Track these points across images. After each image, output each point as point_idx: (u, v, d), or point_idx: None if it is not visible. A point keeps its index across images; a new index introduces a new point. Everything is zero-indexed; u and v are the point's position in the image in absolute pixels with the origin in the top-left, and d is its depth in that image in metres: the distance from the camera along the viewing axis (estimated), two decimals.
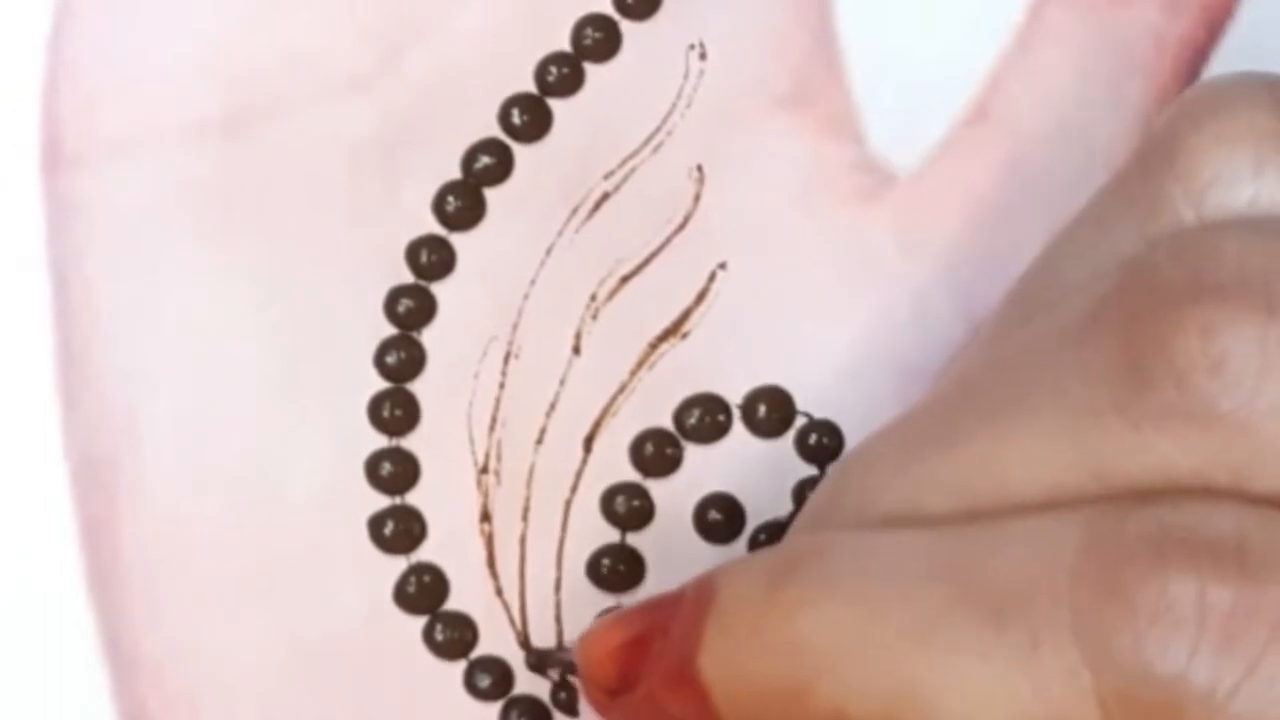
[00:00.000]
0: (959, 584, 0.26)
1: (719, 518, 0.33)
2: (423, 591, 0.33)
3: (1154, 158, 0.28)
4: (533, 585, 0.33)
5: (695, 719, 0.28)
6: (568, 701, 0.33)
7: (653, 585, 0.33)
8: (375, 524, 0.33)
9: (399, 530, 0.33)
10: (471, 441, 0.33)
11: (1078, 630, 0.25)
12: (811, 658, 0.26)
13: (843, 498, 0.29)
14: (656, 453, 0.34)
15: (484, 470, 0.33)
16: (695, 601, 0.28)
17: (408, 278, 0.34)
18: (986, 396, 0.27)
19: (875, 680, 0.26)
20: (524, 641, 0.33)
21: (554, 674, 0.33)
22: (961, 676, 0.25)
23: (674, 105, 0.34)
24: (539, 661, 0.33)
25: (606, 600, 0.33)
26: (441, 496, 0.33)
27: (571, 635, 0.33)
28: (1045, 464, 0.26)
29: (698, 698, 0.27)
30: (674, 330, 0.34)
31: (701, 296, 0.34)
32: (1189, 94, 0.29)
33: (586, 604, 0.33)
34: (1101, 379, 0.26)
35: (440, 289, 0.34)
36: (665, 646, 0.28)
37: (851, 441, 0.34)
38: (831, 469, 0.29)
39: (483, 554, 0.33)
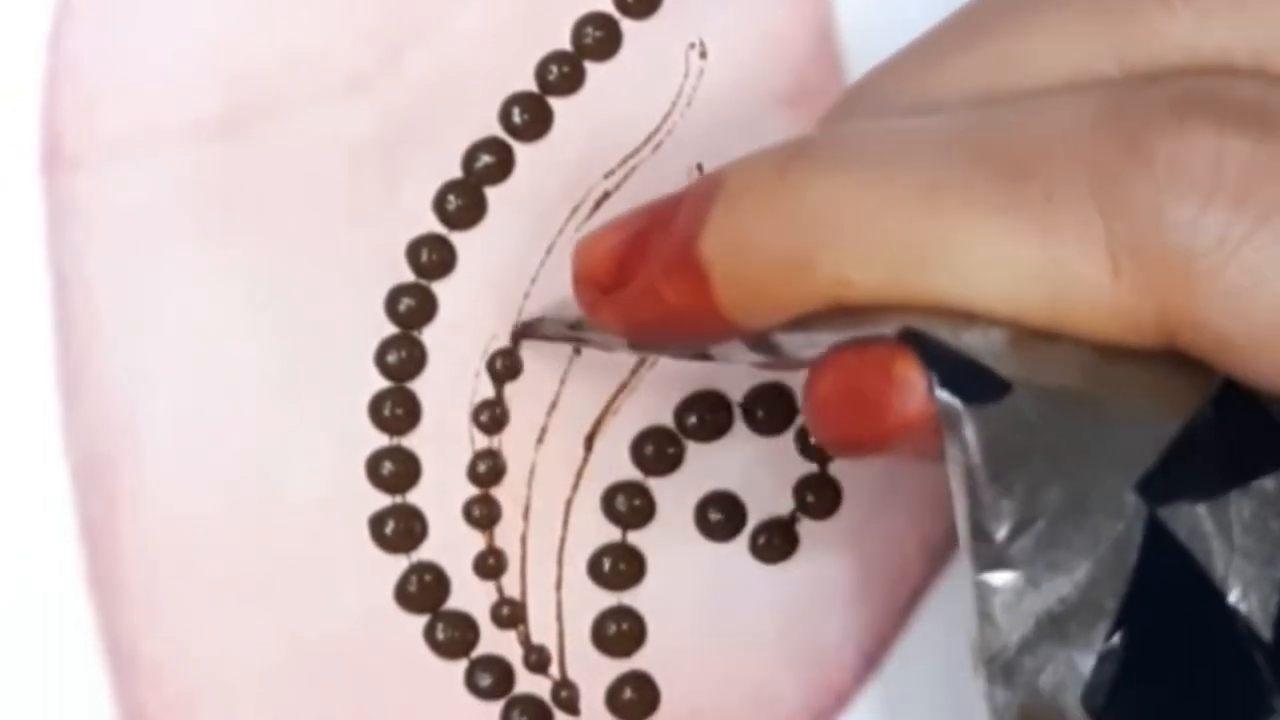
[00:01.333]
0: (975, 149, 0.26)
1: (720, 516, 0.33)
2: (423, 591, 0.33)
3: None
4: (534, 584, 0.33)
5: (692, 306, 0.27)
6: (568, 700, 0.33)
7: (654, 584, 0.33)
8: (376, 523, 0.33)
9: (400, 529, 0.33)
10: (472, 440, 0.33)
11: (1094, 182, 0.25)
12: (817, 226, 0.26)
13: (858, 101, 0.28)
14: (657, 451, 0.34)
15: (484, 470, 0.33)
16: (701, 190, 0.28)
17: (408, 277, 0.34)
18: None
19: (881, 243, 0.26)
20: (525, 640, 0.33)
21: (539, 338, 0.33)
22: (972, 233, 0.25)
23: (674, 104, 0.34)
24: (523, 331, 0.33)
25: (607, 598, 0.33)
26: (442, 495, 0.33)
27: (573, 635, 0.33)
28: (1069, 48, 0.26)
29: (697, 281, 0.27)
30: None
31: None
32: None
33: (587, 602, 0.33)
34: None
35: (441, 288, 0.34)
36: (667, 234, 0.28)
37: None
38: (847, 85, 0.29)
39: (484, 553, 0.33)
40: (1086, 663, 0.25)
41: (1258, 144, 0.24)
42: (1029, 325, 0.25)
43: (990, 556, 0.25)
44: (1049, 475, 0.25)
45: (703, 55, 0.34)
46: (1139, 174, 0.25)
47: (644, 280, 0.28)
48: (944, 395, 0.25)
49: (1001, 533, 0.25)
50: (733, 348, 0.29)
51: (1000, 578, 0.25)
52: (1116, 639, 0.25)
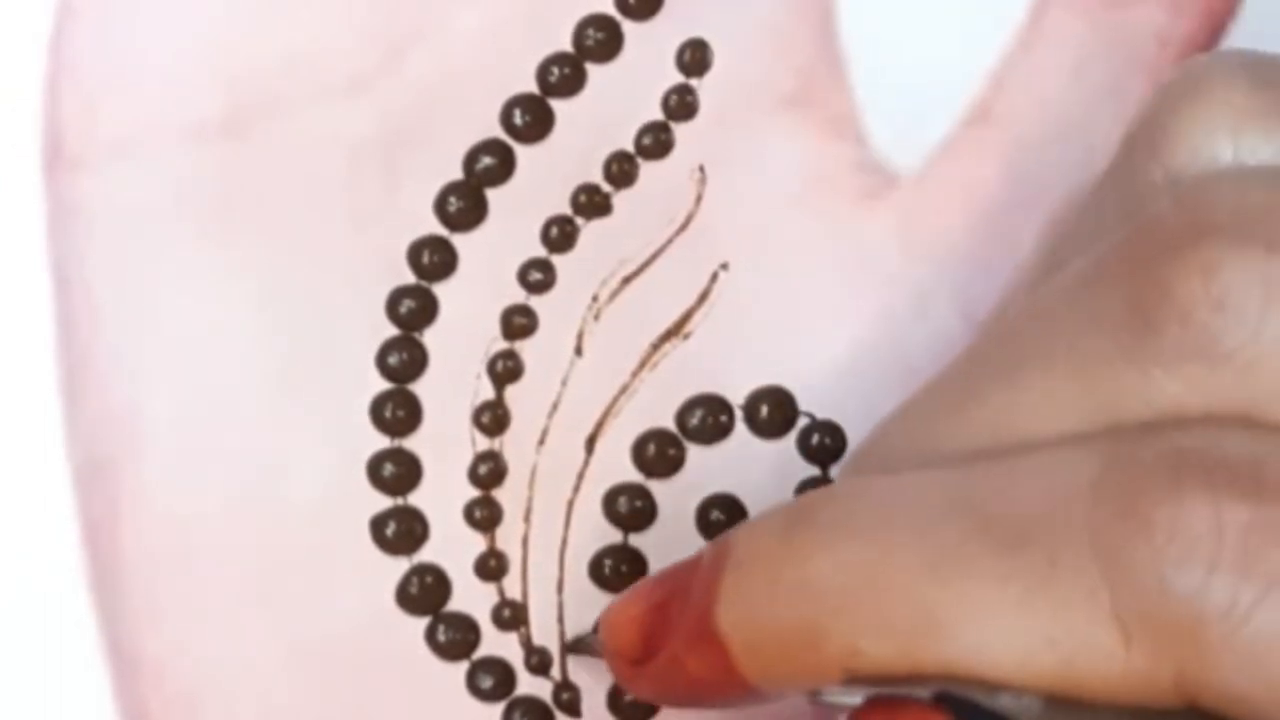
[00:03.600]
0: (975, 515, 0.26)
1: (721, 518, 0.33)
2: (425, 592, 0.33)
3: (1136, 142, 0.28)
4: (535, 586, 0.33)
5: (717, 676, 0.28)
6: (570, 702, 0.33)
7: None
8: (377, 525, 0.33)
9: (401, 531, 0.33)
10: (474, 442, 0.33)
11: (1096, 550, 0.25)
12: (825, 599, 0.26)
13: (868, 456, 0.29)
14: (659, 453, 0.33)
15: (484, 471, 0.33)
16: (712, 559, 0.28)
17: (409, 278, 0.34)
18: (999, 357, 0.27)
19: (890, 616, 0.26)
20: (527, 641, 0.33)
21: (588, 656, 0.33)
22: (979, 604, 0.25)
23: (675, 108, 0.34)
24: (574, 646, 0.33)
25: (609, 601, 0.33)
26: (443, 497, 0.33)
27: (573, 635, 0.33)
28: (1059, 413, 0.26)
29: (718, 653, 0.27)
30: (676, 331, 0.34)
31: (703, 297, 0.34)
32: (1167, 77, 0.29)
33: (589, 605, 0.33)
34: (1109, 327, 0.26)
35: (442, 289, 0.34)
36: (684, 607, 0.28)
37: (854, 441, 0.34)
38: (848, 452, 0.30)
39: (485, 555, 0.33)
40: None
41: (1255, 508, 0.24)
42: (1045, 692, 0.25)
43: None
44: None
45: (704, 57, 0.34)
46: (1139, 542, 0.25)
47: (669, 653, 0.28)
48: None
49: None
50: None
51: None
52: None
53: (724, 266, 0.34)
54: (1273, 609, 0.24)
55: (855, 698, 0.27)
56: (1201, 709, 0.25)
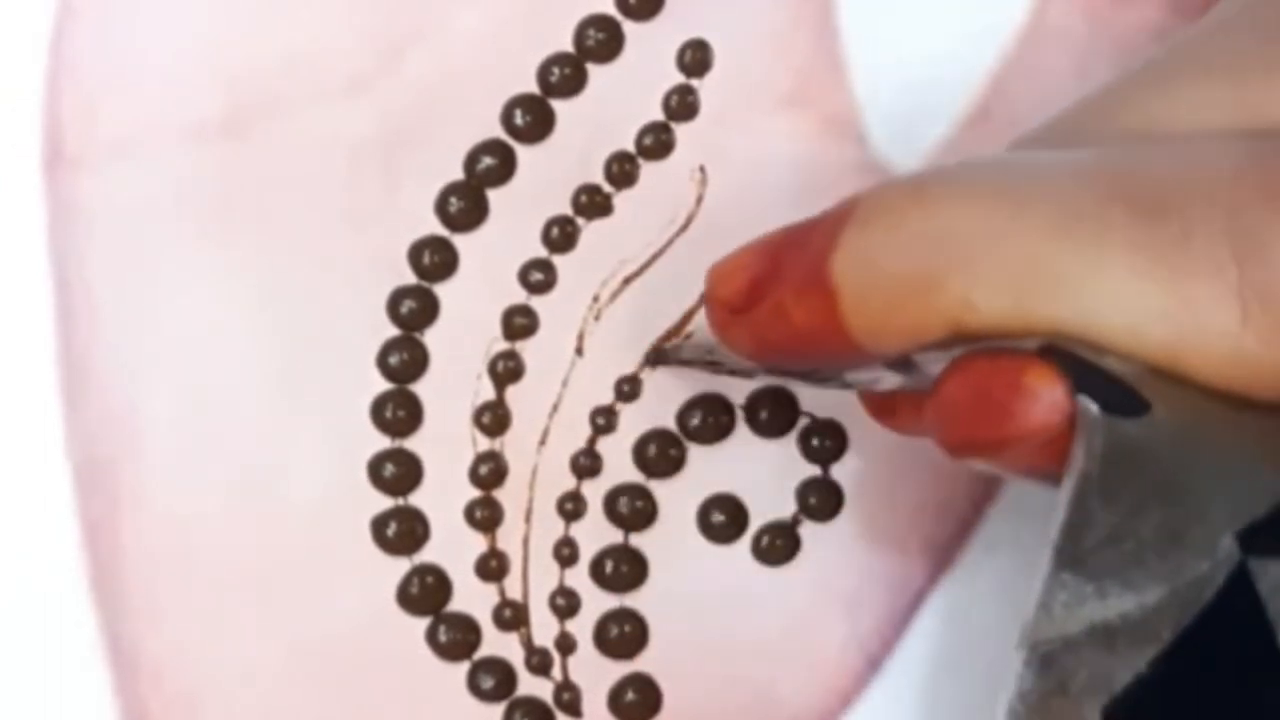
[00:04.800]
0: (1116, 183, 0.26)
1: (722, 518, 0.33)
2: (425, 593, 0.33)
3: None
4: (536, 586, 0.33)
5: (819, 326, 0.28)
6: (570, 702, 0.33)
7: (656, 586, 0.33)
8: (378, 525, 0.33)
9: (401, 531, 0.33)
10: (474, 443, 0.33)
11: (1232, 228, 0.25)
12: (948, 249, 0.26)
13: (1019, 143, 0.29)
14: (660, 454, 0.34)
15: (485, 472, 0.33)
16: (837, 212, 0.28)
17: (410, 279, 0.34)
18: (1155, 69, 0.28)
19: (1012, 269, 0.26)
20: (527, 642, 0.33)
21: (674, 364, 0.33)
22: (1105, 266, 0.25)
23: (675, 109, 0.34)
24: (656, 357, 0.33)
25: (610, 601, 0.33)
26: (444, 498, 0.33)
27: (574, 634, 0.33)
28: (1208, 114, 0.27)
29: (826, 301, 0.27)
30: (677, 331, 0.34)
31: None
32: None
33: (590, 605, 0.33)
34: (1272, 38, 0.27)
35: (443, 290, 0.34)
36: (799, 255, 0.28)
37: (854, 442, 0.34)
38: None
39: (486, 555, 0.33)
40: (1122, 679, 0.25)
41: None
42: (1147, 363, 0.25)
43: (1071, 557, 0.25)
44: (1155, 500, 0.25)
45: (704, 58, 0.34)
46: (1277, 224, 0.25)
47: (774, 300, 0.28)
48: (1085, 400, 0.25)
49: (1090, 541, 0.25)
50: (871, 369, 0.29)
51: (1073, 579, 0.25)
52: (1160, 667, 0.25)
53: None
54: None
55: (935, 366, 0.27)
56: None
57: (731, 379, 0.33)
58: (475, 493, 0.33)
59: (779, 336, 0.29)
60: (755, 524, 0.34)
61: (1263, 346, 0.25)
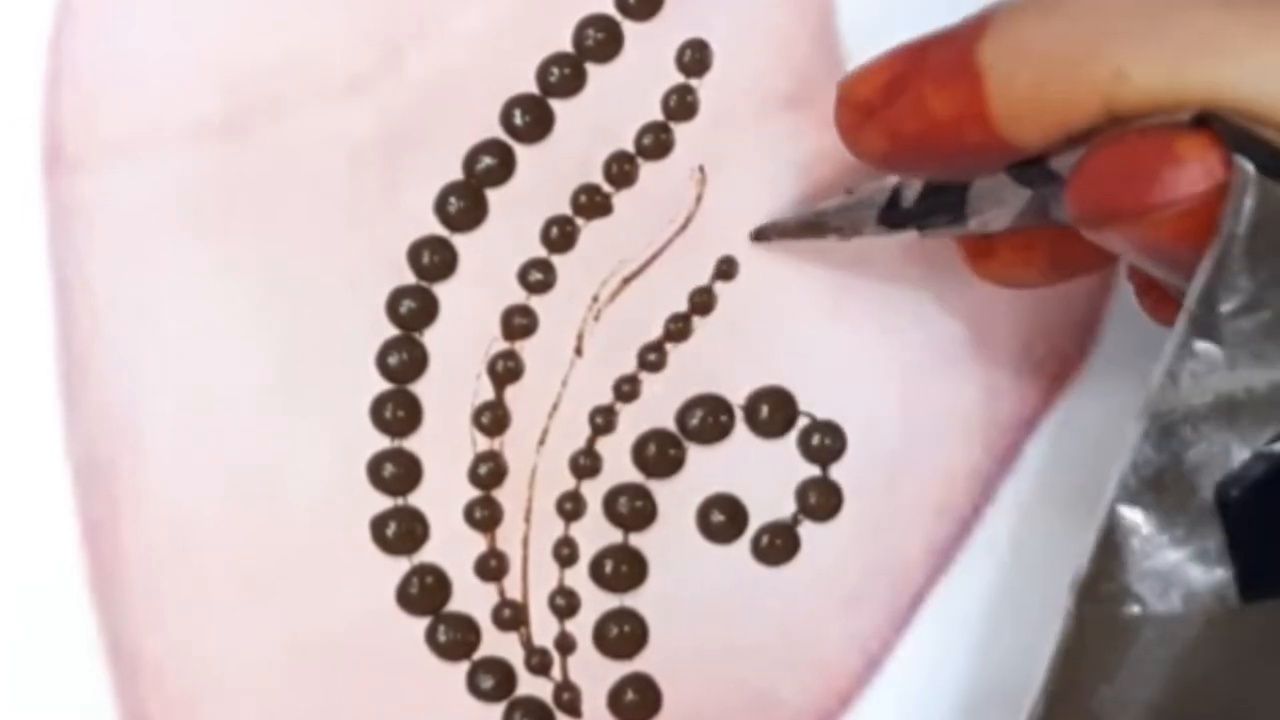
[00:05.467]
0: None
1: (721, 518, 0.33)
2: (425, 593, 0.33)
3: None
4: (535, 586, 0.33)
5: (962, 113, 0.27)
6: (570, 702, 0.33)
7: (656, 586, 0.33)
8: (377, 525, 0.33)
9: (401, 531, 0.33)
10: (474, 443, 0.33)
11: None
12: (1102, 20, 0.26)
13: None
14: (659, 454, 0.34)
15: (485, 471, 0.33)
16: (985, 9, 0.27)
17: (409, 279, 0.34)
18: None
19: (1169, 34, 0.25)
20: (527, 642, 0.33)
21: (781, 237, 0.33)
22: (1265, 30, 0.25)
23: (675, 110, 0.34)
24: (762, 232, 0.33)
25: (610, 601, 0.33)
26: (444, 498, 0.33)
27: (574, 634, 0.33)
28: None
29: (971, 87, 0.27)
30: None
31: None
32: None
33: (589, 605, 0.33)
34: None
35: (442, 290, 0.34)
36: (943, 47, 0.28)
37: (854, 442, 0.34)
38: None
39: (485, 555, 0.33)
40: (1240, 455, 0.25)
41: None
42: None
43: (1206, 324, 0.25)
44: None
45: (704, 58, 0.34)
46: None
47: (914, 92, 0.28)
48: (1241, 160, 0.25)
49: (1227, 306, 0.25)
50: (996, 185, 0.28)
51: (1204, 347, 0.25)
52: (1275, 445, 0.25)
53: (725, 264, 0.34)
54: None
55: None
56: None
57: (834, 242, 0.33)
58: (475, 493, 0.33)
59: (916, 128, 0.28)
60: (755, 524, 0.34)
61: None
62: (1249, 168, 0.25)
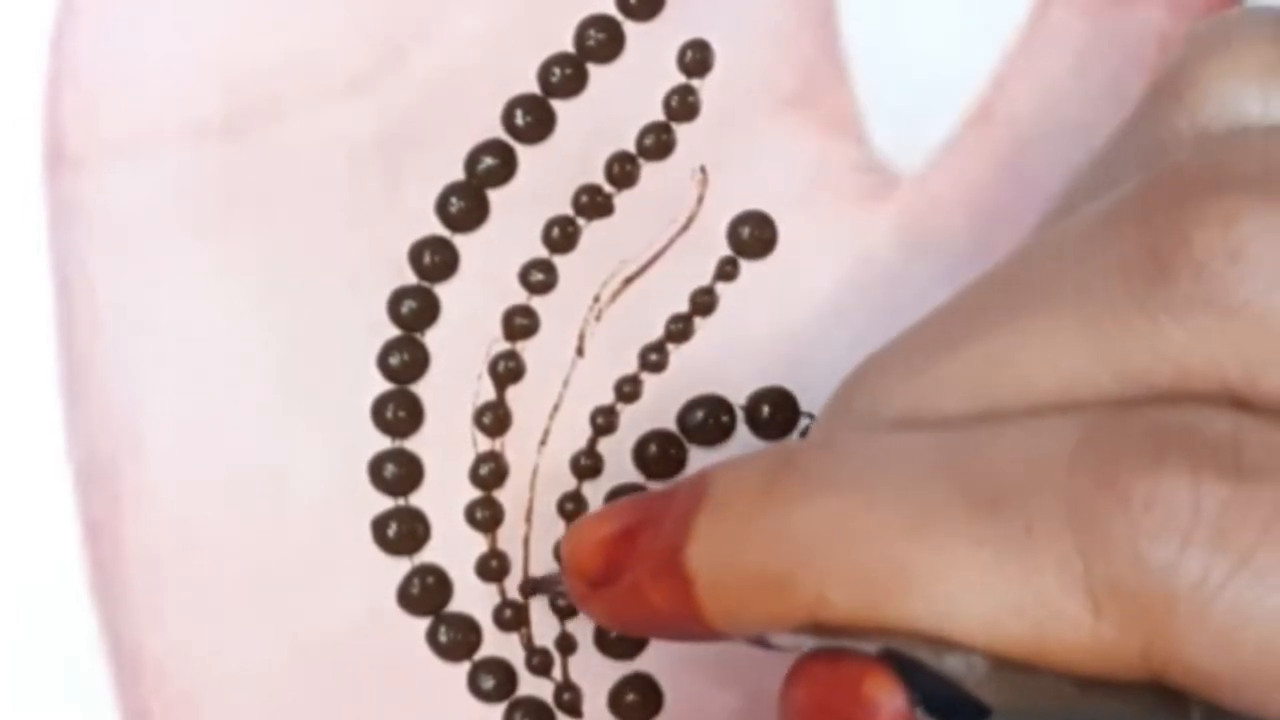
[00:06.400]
0: (956, 477, 0.26)
1: None
2: (426, 593, 0.33)
3: (1162, 91, 0.28)
4: None
5: (677, 610, 0.28)
6: (571, 703, 0.33)
7: None
8: (378, 525, 0.33)
9: (402, 532, 0.33)
10: (475, 443, 0.33)
11: (1072, 519, 0.25)
12: (800, 547, 0.26)
13: (850, 404, 0.28)
14: (660, 454, 0.33)
15: (486, 471, 0.33)
16: (689, 494, 0.28)
17: (410, 279, 0.34)
18: (1003, 296, 0.27)
19: (863, 568, 0.26)
20: (528, 642, 0.33)
21: (547, 596, 0.33)
22: (952, 564, 0.25)
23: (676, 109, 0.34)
24: (532, 587, 0.33)
25: None
26: (445, 498, 0.33)
27: (574, 635, 0.33)
28: (1062, 357, 0.26)
29: (682, 588, 0.27)
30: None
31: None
32: (1196, 28, 0.28)
33: None
34: (1121, 272, 0.26)
35: (443, 290, 0.34)
36: (654, 537, 0.28)
37: None
38: (841, 381, 0.29)
39: (486, 556, 0.33)
40: None
41: (1234, 486, 0.24)
42: (1007, 657, 0.25)
43: None
44: None
45: (705, 58, 0.34)
46: (1115, 513, 0.24)
47: (631, 579, 0.28)
48: (920, 715, 0.26)
49: None
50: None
51: None
52: None
53: (727, 264, 0.34)
54: (1244, 586, 0.24)
55: (804, 642, 0.27)
56: (1166, 684, 0.25)
57: None
58: (476, 493, 0.33)
59: (636, 616, 0.29)
60: None
61: (1121, 635, 0.25)
62: None
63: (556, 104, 0.34)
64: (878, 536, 0.26)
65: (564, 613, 0.33)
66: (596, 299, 0.34)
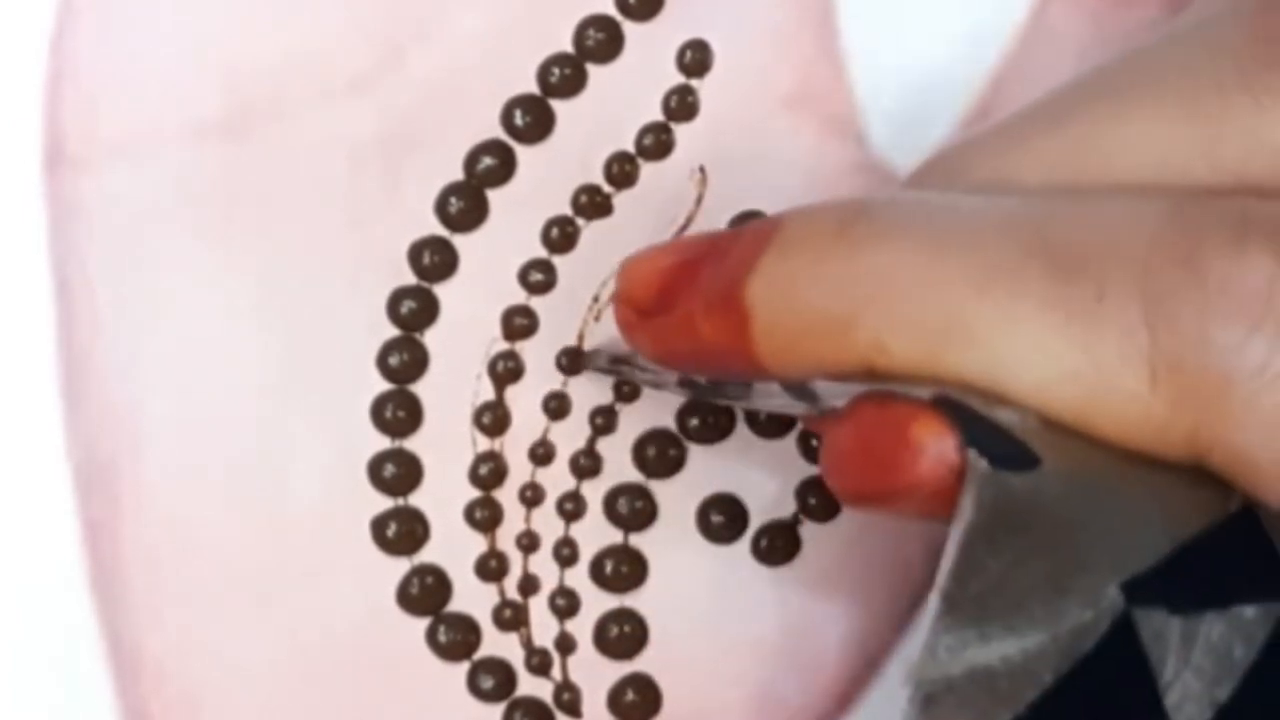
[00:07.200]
0: (1033, 239, 0.26)
1: (722, 518, 0.33)
2: (425, 593, 0.33)
3: None
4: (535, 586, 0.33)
5: (728, 345, 0.28)
6: (570, 703, 0.33)
7: (656, 586, 0.33)
8: (378, 525, 0.33)
9: (401, 532, 0.33)
10: (474, 443, 0.33)
11: (1145, 291, 0.25)
12: (864, 290, 0.26)
13: (933, 170, 0.29)
14: (659, 453, 0.33)
15: (485, 471, 0.33)
16: (758, 231, 0.28)
17: (410, 279, 0.34)
18: (1106, 79, 0.27)
19: (925, 316, 0.26)
20: (527, 642, 0.33)
21: (590, 370, 0.33)
22: (1017, 321, 0.25)
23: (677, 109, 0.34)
24: (581, 360, 0.33)
25: (610, 601, 0.33)
26: (444, 498, 0.33)
27: (574, 635, 0.33)
28: (1158, 138, 0.26)
29: (737, 322, 0.27)
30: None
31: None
32: None
33: (589, 605, 0.33)
34: (1231, 57, 0.26)
35: (443, 290, 0.34)
36: (716, 270, 0.28)
37: None
38: (928, 152, 0.30)
39: (485, 556, 0.33)
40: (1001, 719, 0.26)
41: None
42: (1056, 420, 0.25)
43: (957, 602, 0.26)
44: (1041, 551, 0.25)
45: (705, 59, 0.34)
46: (1189, 291, 0.25)
47: (684, 310, 0.28)
48: (974, 454, 0.26)
49: (976, 587, 0.26)
50: (770, 389, 0.29)
51: (956, 623, 0.26)
52: (1040, 709, 0.25)
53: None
54: None
55: (848, 389, 0.27)
56: (1208, 470, 0.25)
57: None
58: (475, 493, 0.33)
59: (684, 348, 0.29)
60: (755, 524, 0.33)
61: (1171, 412, 0.25)
62: (982, 463, 0.25)
63: (556, 104, 0.34)
64: (945, 287, 0.26)
65: (564, 612, 0.33)
66: (596, 299, 0.34)
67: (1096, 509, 0.26)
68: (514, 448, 0.33)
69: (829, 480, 0.28)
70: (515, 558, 0.33)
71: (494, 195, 0.34)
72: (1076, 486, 0.26)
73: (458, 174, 0.34)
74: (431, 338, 0.34)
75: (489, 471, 0.33)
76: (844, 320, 0.26)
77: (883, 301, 0.26)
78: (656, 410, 0.34)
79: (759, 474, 0.34)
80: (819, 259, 0.27)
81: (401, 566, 0.33)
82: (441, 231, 0.34)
